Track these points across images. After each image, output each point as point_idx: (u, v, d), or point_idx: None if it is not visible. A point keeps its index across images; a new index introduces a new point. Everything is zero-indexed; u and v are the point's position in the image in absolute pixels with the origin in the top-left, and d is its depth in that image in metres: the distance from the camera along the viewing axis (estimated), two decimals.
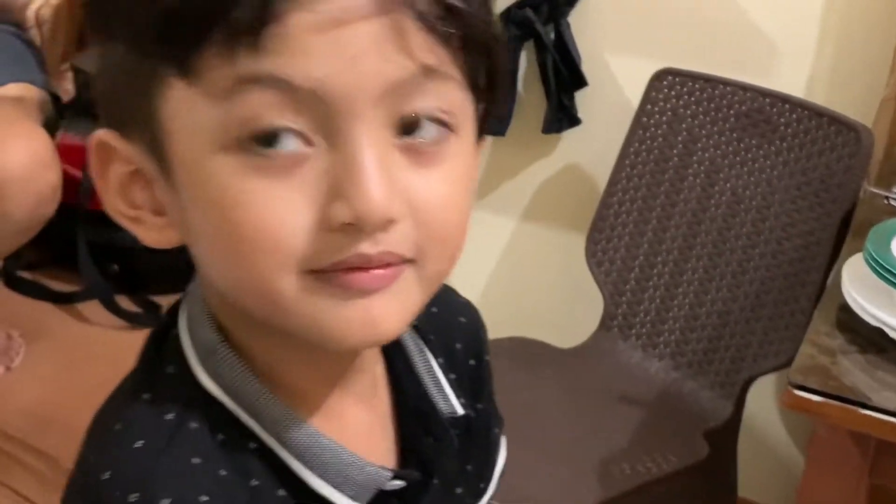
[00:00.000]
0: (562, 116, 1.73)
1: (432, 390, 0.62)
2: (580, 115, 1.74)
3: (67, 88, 1.86)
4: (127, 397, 0.54)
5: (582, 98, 1.73)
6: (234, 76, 0.45)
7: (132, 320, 1.65)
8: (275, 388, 0.53)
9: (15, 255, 1.58)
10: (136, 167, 0.51)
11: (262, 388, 0.53)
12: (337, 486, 0.54)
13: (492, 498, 0.69)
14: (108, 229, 1.59)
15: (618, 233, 1.63)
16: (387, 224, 0.47)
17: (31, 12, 1.94)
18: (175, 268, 1.79)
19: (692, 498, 1.45)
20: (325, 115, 0.46)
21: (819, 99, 1.56)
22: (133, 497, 0.49)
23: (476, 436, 0.65)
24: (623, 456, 1.36)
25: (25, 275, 1.73)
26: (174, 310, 0.57)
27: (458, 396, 0.63)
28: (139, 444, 0.50)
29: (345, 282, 0.48)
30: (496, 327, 1.95)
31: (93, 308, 1.67)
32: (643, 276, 1.61)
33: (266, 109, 0.46)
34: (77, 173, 1.59)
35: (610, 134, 1.67)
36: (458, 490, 0.63)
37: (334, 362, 0.57)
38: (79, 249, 1.65)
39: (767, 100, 1.52)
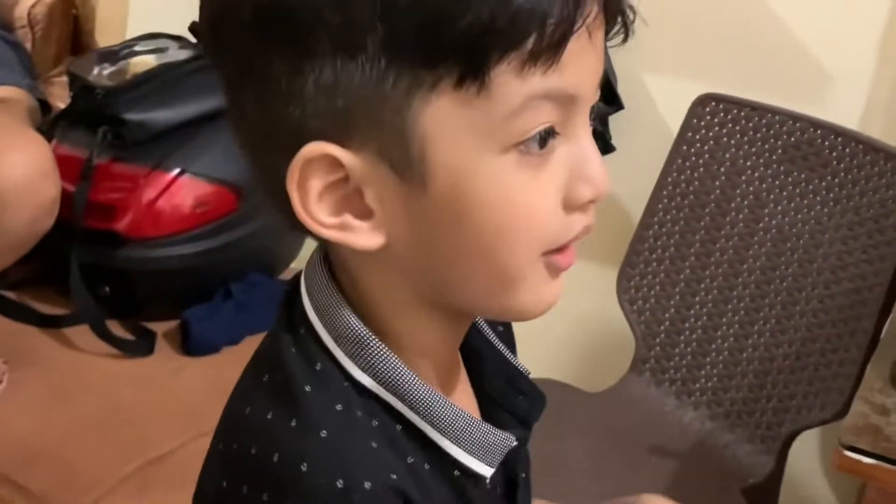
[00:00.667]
0: (595, 142, 1.75)
1: (509, 356, 0.72)
2: (614, 141, 1.76)
3: (60, 95, 1.88)
4: (285, 392, 0.59)
5: (617, 123, 1.76)
6: (526, 93, 0.54)
7: (124, 348, 1.64)
8: (414, 367, 0.61)
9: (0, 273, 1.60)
10: (342, 176, 0.57)
11: (410, 373, 0.60)
12: (475, 454, 0.62)
13: None
14: (104, 248, 1.67)
15: (652, 269, 1.65)
16: None
17: (21, 12, 1.97)
18: (171, 293, 1.82)
19: None
20: (570, 111, 0.57)
21: (875, 132, 1.58)
22: (339, 483, 0.56)
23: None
24: None
25: (10, 295, 1.72)
26: (289, 306, 0.64)
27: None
28: (324, 433, 0.57)
29: (560, 262, 0.60)
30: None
31: (82, 333, 1.65)
32: (679, 316, 1.63)
33: (547, 116, 0.55)
34: (70, 187, 1.59)
35: (646, 162, 1.68)
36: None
37: (455, 333, 0.66)
38: (71, 269, 1.63)
39: (819, 131, 1.54)
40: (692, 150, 1.63)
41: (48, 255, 1.58)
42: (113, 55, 1.77)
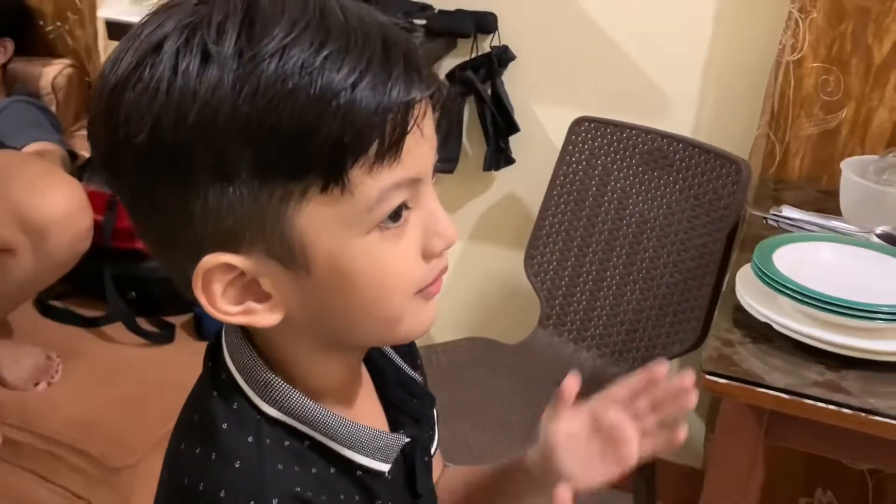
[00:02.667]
0: (499, 157, 1.76)
1: (402, 366, 0.71)
2: (514, 155, 1.77)
3: (82, 145, 1.85)
4: (208, 430, 0.57)
5: (515, 141, 1.76)
6: (379, 188, 0.52)
7: (151, 338, 1.65)
8: (313, 395, 0.59)
9: (47, 288, 1.57)
10: (239, 272, 0.53)
11: (308, 402, 0.59)
12: (372, 456, 0.61)
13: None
14: (129, 263, 1.66)
15: (549, 249, 1.67)
16: None
17: (46, 81, 1.94)
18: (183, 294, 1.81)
19: None
20: (416, 187, 0.55)
21: (703, 137, 1.61)
22: (251, 502, 0.54)
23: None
24: None
25: (57, 303, 1.71)
26: (213, 357, 0.61)
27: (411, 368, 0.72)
28: (237, 464, 0.56)
29: (430, 292, 0.58)
30: (456, 330, 2.01)
31: (117, 330, 1.65)
32: (571, 283, 1.65)
33: (398, 199, 0.54)
34: (99, 217, 1.58)
35: (539, 170, 1.70)
36: (430, 433, 0.72)
37: (355, 361, 0.64)
38: (105, 281, 1.64)
39: (664, 140, 1.57)
40: (573, 159, 1.65)
41: (86, 271, 1.56)
42: None
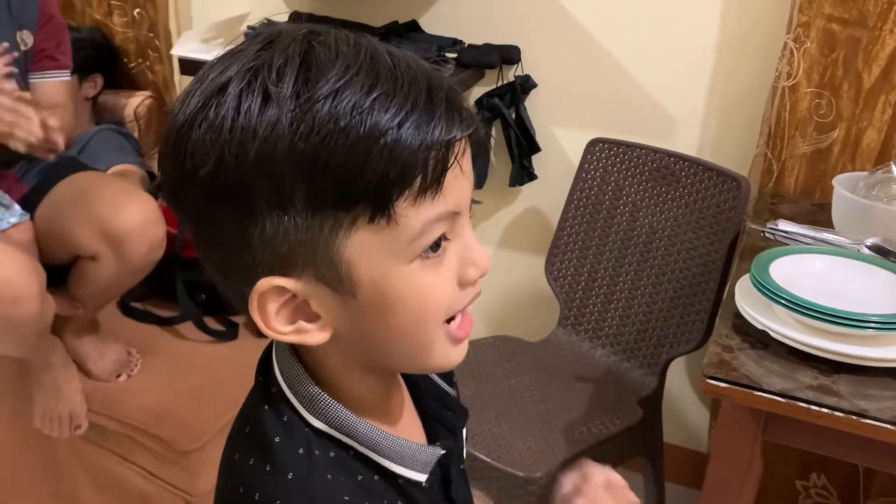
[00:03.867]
0: (522, 173, 1.73)
1: (437, 380, 0.68)
2: (536, 172, 1.74)
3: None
4: (261, 442, 0.55)
5: (537, 160, 1.74)
6: (423, 220, 0.50)
7: (218, 336, 1.64)
8: (356, 409, 0.57)
9: (128, 291, 1.58)
10: (291, 295, 0.52)
11: (351, 416, 0.56)
12: (410, 467, 0.58)
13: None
14: (198, 270, 1.64)
15: (567, 256, 1.64)
16: None
17: (130, 110, 1.94)
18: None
19: (632, 448, 1.45)
20: (455, 220, 0.53)
21: (707, 156, 1.58)
22: None
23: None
24: (581, 422, 1.38)
25: (137, 305, 1.72)
26: (264, 372, 0.59)
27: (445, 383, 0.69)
28: (290, 475, 0.53)
29: (459, 335, 0.56)
30: (484, 329, 1.98)
31: (188, 328, 1.65)
32: (588, 287, 1.62)
33: (439, 231, 0.52)
34: (173, 230, 1.58)
35: (558, 186, 1.68)
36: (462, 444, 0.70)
37: (392, 379, 0.62)
38: (177, 285, 1.63)
39: (671, 159, 1.53)
40: (588, 175, 1.61)
41: (161, 276, 1.57)
42: None
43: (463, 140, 0.51)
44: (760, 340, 1.02)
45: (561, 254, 1.64)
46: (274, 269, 0.51)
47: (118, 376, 1.53)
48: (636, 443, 1.45)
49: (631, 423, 1.39)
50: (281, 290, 0.51)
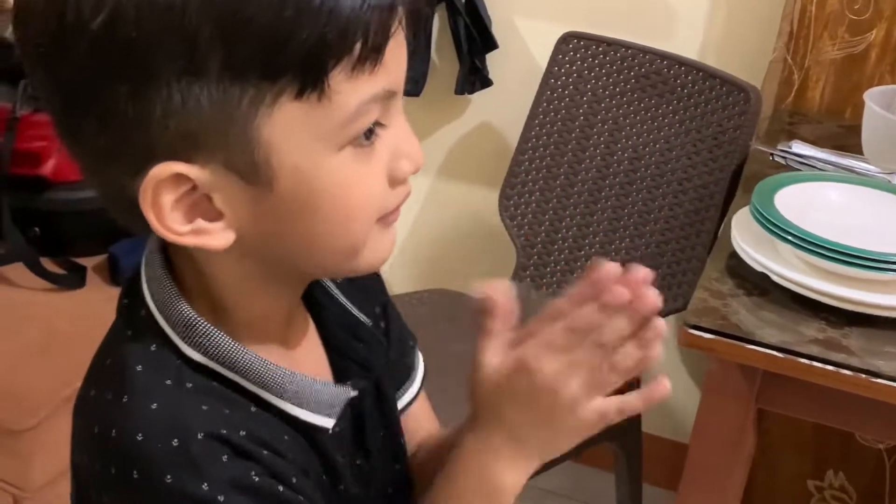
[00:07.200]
0: (473, 78, 1.78)
1: (349, 306, 0.73)
2: (491, 76, 1.78)
3: None
4: (120, 372, 0.60)
5: (492, 60, 1.78)
6: (359, 99, 0.56)
7: (58, 282, 1.65)
8: (244, 337, 0.63)
9: None
10: (190, 186, 0.56)
11: (237, 347, 0.61)
12: (313, 410, 0.64)
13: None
14: (32, 193, 1.67)
15: (528, 188, 1.69)
16: None
17: None
18: (95, 230, 1.81)
19: (602, 433, 1.54)
20: (388, 103, 0.59)
21: (711, 61, 1.64)
22: (175, 441, 0.57)
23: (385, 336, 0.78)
24: None
25: None
26: (130, 292, 0.64)
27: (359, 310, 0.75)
28: (154, 405, 0.58)
29: (389, 219, 0.62)
30: (416, 281, 2.05)
31: (17, 271, 1.65)
32: (552, 228, 1.68)
33: (374, 114, 0.58)
34: None
35: (519, 94, 1.72)
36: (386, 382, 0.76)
37: (294, 296, 0.67)
38: (2, 214, 1.63)
39: (665, 62, 1.59)
40: (558, 82, 1.66)
41: None
42: None
43: (403, 8, 0.56)
44: (758, 285, 1.10)
45: (520, 184, 1.69)
46: (174, 153, 0.55)
47: None
48: (606, 426, 1.53)
49: None
50: (179, 179, 0.55)
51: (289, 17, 0.52)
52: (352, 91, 0.55)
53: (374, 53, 0.55)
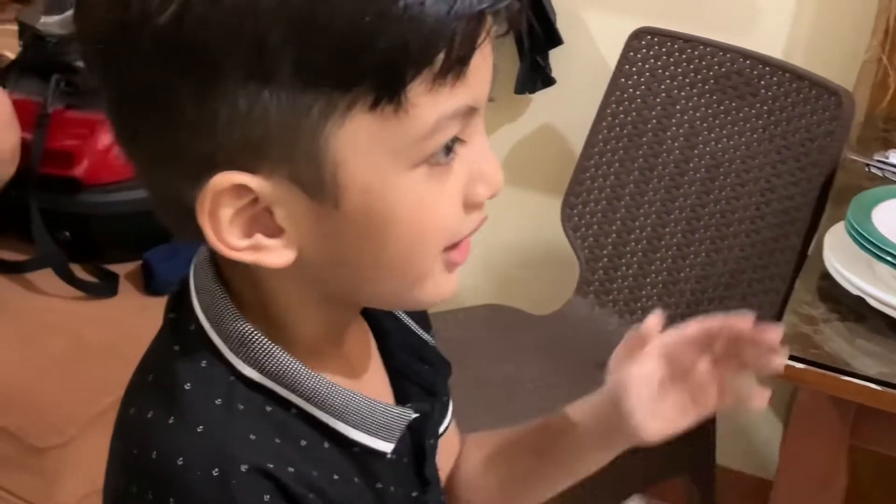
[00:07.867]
0: (535, 76, 1.77)
1: (412, 325, 0.74)
2: (554, 74, 1.77)
3: (8, 44, 1.85)
4: (165, 390, 0.60)
5: (556, 57, 1.77)
6: (439, 112, 0.55)
7: (88, 290, 1.65)
8: (304, 356, 0.62)
9: None
10: (251, 199, 0.56)
11: (296, 364, 0.61)
12: (372, 433, 0.64)
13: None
14: (63, 194, 1.68)
15: (594, 196, 1.68)
16: None
17: None
18: (131, 235, 1.81)
19: (671, 466, 1.50)
20: (469, 120, 0.58)
21: (799, 61, 1.61)
22: (216, 471, 0.56)
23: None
24: None
25: None
26: (177, 305, 0.64)
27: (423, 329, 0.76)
28: (200, 428, 0.58)
29: (455, 259, 0.62)
30: (471, 295, 2.03)
31: (46, 278, 1.65)
32: (620, 240, 1.66)
33: (454, 129, 0.57)
34: (27, 136, 1.58)
35: (586, 95, 1.71)
36: (443, 404, 0.77)
37: (354, 320, 0.68)
38: (31, 216, 1.63)
39: (748, 61, 1.57)
40: (629, 81, 1.65)
41: (8, 202, 1.57)
42: (60, 3, 1.76)
43: (492, 18, 0.55)
44: (854, 310, 1.08)
45: (585, 192, 1.68)
46: (237, 162, 0.55)
47: None
48: (676, 459, 1.51)
49: None
50: (240, 190, 0.55)
51: (368, 24, 0.51)
52: (431, 105, 0.55)
53: (457, 66, 0.54)
